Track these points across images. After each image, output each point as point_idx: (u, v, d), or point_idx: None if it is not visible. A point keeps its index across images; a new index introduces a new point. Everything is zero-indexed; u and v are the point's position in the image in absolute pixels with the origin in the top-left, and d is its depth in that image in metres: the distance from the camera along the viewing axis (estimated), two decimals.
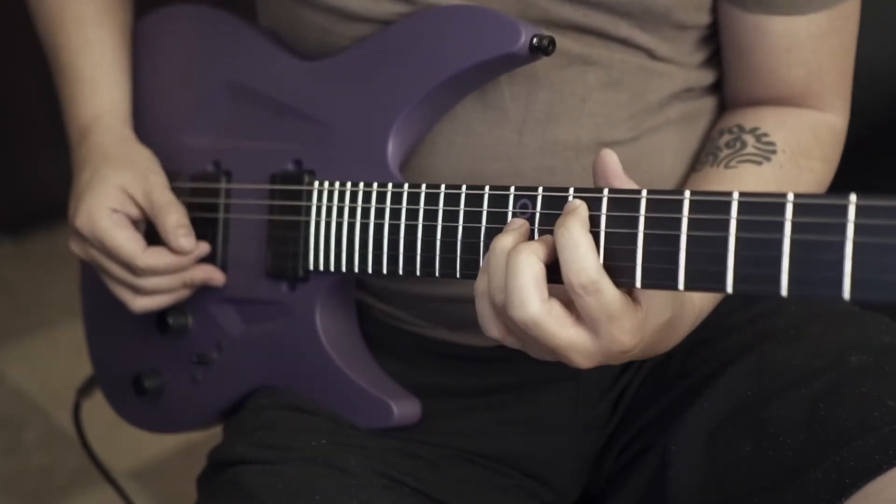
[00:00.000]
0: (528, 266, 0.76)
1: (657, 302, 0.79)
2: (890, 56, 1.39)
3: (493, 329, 0.80)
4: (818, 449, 0.88)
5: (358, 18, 0.97)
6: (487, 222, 0.85)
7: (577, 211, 0.77)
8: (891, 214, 0.66)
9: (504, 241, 0.79)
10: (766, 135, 0.97)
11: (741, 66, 1.01)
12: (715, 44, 1.02)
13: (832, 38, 0.98)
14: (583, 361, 0.78)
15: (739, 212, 0.71)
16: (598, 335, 0.76)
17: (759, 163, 0.95)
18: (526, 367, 1.03)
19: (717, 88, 1.05)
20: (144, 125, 1.15)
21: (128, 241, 1.04)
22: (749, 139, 0.97)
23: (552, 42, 0.89)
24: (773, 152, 0.96)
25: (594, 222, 0.77)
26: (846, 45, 1.01)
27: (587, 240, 0.76)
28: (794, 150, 0.97)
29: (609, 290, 0.75)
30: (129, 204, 1.06)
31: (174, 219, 1.05)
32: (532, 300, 0.75)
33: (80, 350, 1.24)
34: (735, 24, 0.98)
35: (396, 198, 0.92)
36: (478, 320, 0.81)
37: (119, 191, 1.06)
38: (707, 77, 1.03)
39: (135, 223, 1.07)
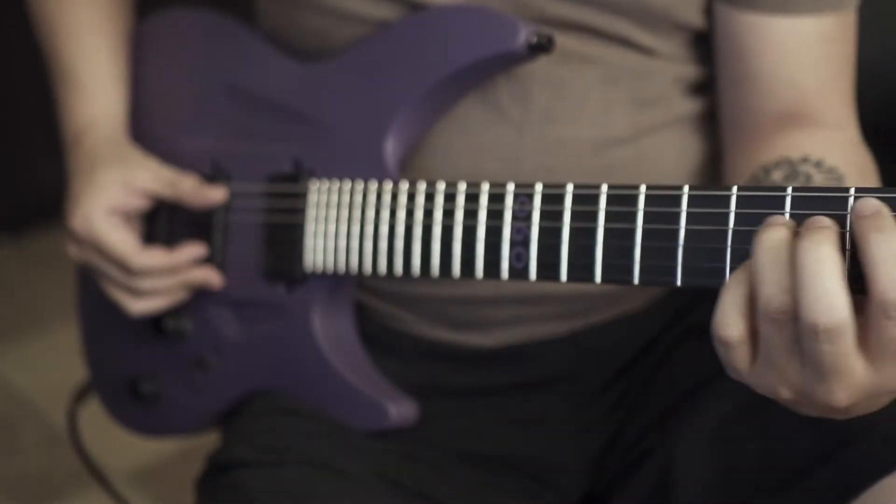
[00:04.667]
0: (836, 264, 0.64)
1: None
2: (890, 56, 1.39)
3: (732, 328, 0.69)
4: (824, 449, 0.87)
5: (356, 20, 0.97)
6: (487, 220, 0.85)
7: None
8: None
9: (780, 232, 0.67)
10: (821, 161, 0.88)
11: (747, 75, 0.96)
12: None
13: (840, 45, 0.95)
14: (844, 399, 0.67)
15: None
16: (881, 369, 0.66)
17: None
18: (526, 368, 1.03)
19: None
20: (144, 128, 1.15)
21: (123, 242, 1.04)
22: (810, 170, 0.88)
23: (551, 40, 0.89)
24: (842, 176, 0.87)
25: (590, 217, 0.78)
26: (851, 58, 0.96)
27: None
28: (854, 172, 0.89)
29: None
30: (132, 196, 1.06)
31: (191, 182, 1.05)
32: (843, 304, 0.64)
33: (78, 351, 1.24)
34: (736, 27, 0.95)
35: (394, 196, 0.92)
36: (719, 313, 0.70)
37: (118, 187, 1.05)
38: (709, 75, 1.02)
39: (134, 220, 1.07)
